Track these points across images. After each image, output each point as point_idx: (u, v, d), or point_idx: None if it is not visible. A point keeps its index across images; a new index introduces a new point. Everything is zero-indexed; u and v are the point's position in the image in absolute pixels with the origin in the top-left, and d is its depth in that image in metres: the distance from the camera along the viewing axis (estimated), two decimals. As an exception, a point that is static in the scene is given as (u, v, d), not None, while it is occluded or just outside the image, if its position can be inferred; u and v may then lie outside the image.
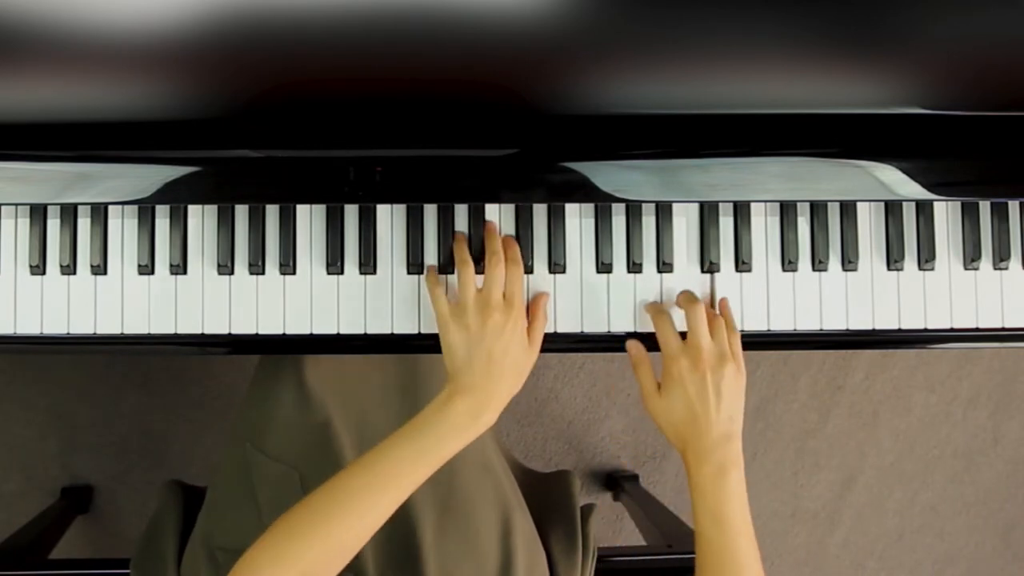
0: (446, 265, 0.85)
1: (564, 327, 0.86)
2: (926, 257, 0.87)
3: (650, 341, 0.85)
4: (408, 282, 0.86)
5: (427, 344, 0.85)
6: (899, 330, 0.87)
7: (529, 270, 0.86)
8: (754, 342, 0.87)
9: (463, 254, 0.82)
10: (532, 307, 0.84)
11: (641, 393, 0.83)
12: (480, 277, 0.82)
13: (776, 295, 0.87)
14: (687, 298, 0.83)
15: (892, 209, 0.87)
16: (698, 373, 0.78)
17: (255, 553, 0.69)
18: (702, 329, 0.80)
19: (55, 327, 0.85)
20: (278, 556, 0.68)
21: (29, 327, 0.85)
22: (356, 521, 0.70)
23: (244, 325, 0.85)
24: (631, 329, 0.87)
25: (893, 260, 0.87)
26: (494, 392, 0.76)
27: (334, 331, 0.85)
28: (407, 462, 0.73)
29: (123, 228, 0.85)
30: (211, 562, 0.89)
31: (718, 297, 0.87)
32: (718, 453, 0.77)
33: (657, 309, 0.84)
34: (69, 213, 0.85)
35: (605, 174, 0.79)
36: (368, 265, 0.85)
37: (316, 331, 0.85)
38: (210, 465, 1.58)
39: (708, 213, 0.87)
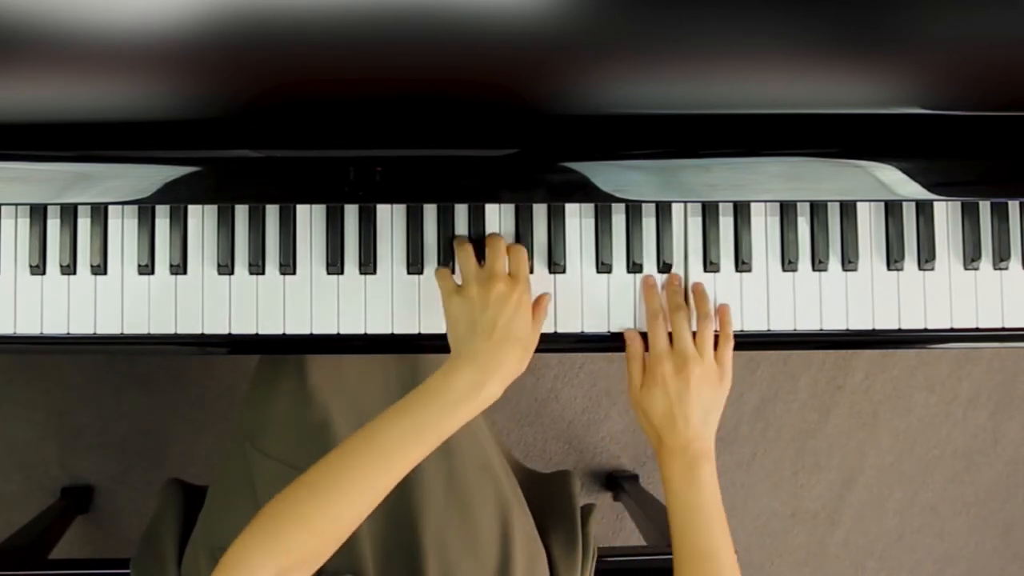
0: (447, 261, 0.85)
1: (564, 327, 0.86)
2: (926, 257, 0.87)
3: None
4: (408, 282, 0.86)
5: (427, 344, 0.85)
6: (899, 330, 0.88)
7: (529, 270, 0.86)
8: (754, 342, 0.87)
9: (462, 239, 0.83)
10: (535, 302, 0.84)
11: (628, 383, 0.85)
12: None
13: (776, 295, 0.87)
14: (674, 304, 0.83)
15: (892, 209, 0.87)
16: (680, 379, 0.80)
17: (247, 540, 0.66)
18: (686, 337, 0.82)
19: (55, 327, 0.85)
20: (274, 543, 0.65)
21: (29, 327, 0.85)
22: (352, 503, 0.67)
23: (244, 325, 0.85)
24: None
25: (893, 260, 0.87)
26: (498, 362, 0.74)
27: (334, 331, 0.85)
28: (406, 438, 0.69)
29: (123, 228, 0.85)
30: (211, 562, 0.89)
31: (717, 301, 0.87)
32: (691, 450, 0.78)
33: (654, 310, 0.84)
34: (69, 213, 0.85)
35: (605, 174, 0.79)
36: (368, 265, 0.85)
37: (316, 331, 0.85)
38: (210, 465, 1.58)
39: (708, 213, 0.87)
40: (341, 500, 0.67)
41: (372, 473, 0.68)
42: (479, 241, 0.85)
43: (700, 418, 0.80)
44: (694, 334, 0.84)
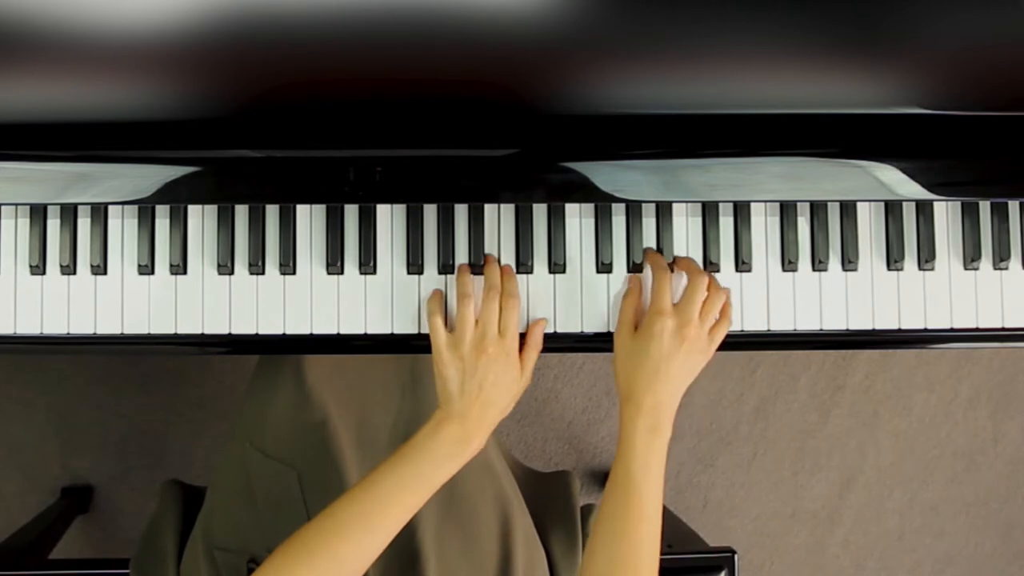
0: (445, 267, 0.85)
1: (564, 327, 0.86)
2: (926, 257, 0.87)
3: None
4: (408, 282, 0.86)
5: (427, 344, 0.85)
6: (899, 330, 0.87)
7: (529, 270, 0.86)
8: (754, 342, 0.87)
9: (465, 287, 0.82)
10: (528, 334, 0.84)
11: (618, 323, 0.84)
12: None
13: (776, 295, 0.87)
14: (696, 270, 0.83)
15: (892, 209, 0.87)
16: (677, 338, 0.79)
17: None
18: (697, 300, 0.81)
19: (55, 327, 0.85)
20: None
21: (29, 327, 0.85)
22: (355, 547, 0.73)
23: (244, 325, 0.85)
24: (631, 329, 0.86)
25: (893, 260, 0.87)
26: (483, 420, 0.78)
27: (334, 331, 0.85)
28: (401, 489, 0.75)
29: (123, 228, 0.85)
30: (210, 562, 0.89)
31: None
32: (660, 413, 0.79)
33: (660, 264, 0.83)
34: (69, 213, 0.85)
35: (605, 174, 0.79)
36: (368, 265, 0.85)
37: (316, 331, 0.85)
38: (210, 465, 1.58)
39: (708, 213, 0.87)
40: (345, 545, 0.73)
41: (372, 521, 0.74)
42: (478, 216, 0.85)
43: (678, 382, 0.80)
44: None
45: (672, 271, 0.84)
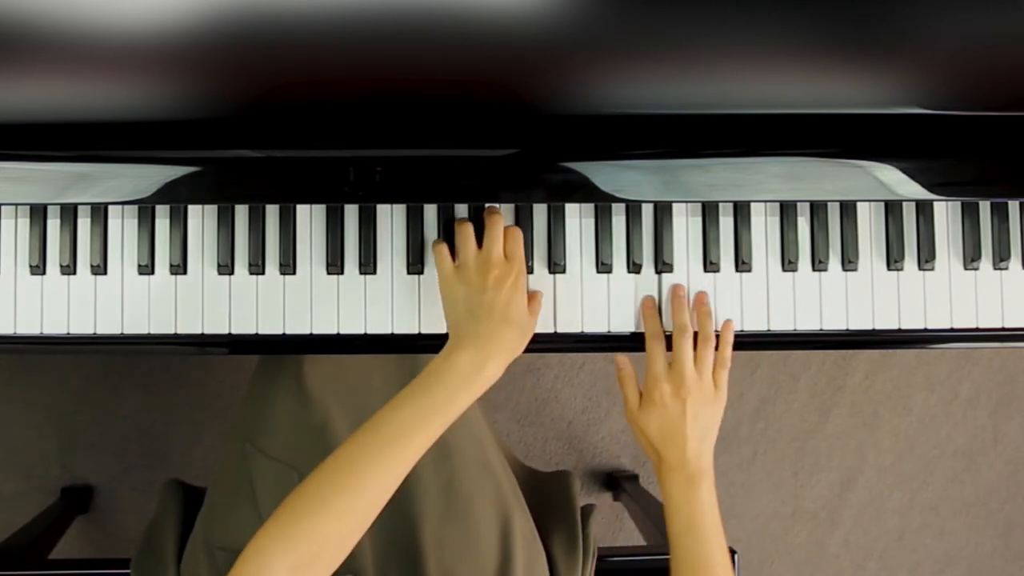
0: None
1: (564, 327, 0.86)
2: (926, 257, 0.87)
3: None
4: (408, 282, 0.86)
5: (427, 344, 0.85)
6: (899, 330, 0.88)
7: (529, 270, 0.86)
8: (754, 342, 0.87)
9: (463, 220, 0.83)
10: (530, 295, 0.85)
11: (624, 403, 0.86)
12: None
13: (776, 295, 0.87)
14: (680, 325, 0.84)
15: (892, 209, 0.87)
16: (678, 400, 0.81)
17: (262, 539, 0.67)
18: (686, 360, 0.83)
19: (55, 327, 0.85)
20: (288, 538, 0.66)
21: (29, 327, 0.85)
22: (361, 494, 0.68)
23: (244, 325, 0.85)
24: (631, 329, 0.87)
25: (893, 260, 0.87)
26: (497, 342, 0.75)
27: (334, 331, 0.85)
28: (412, 424, 0.71)
29: (123, 228, 0.85)
30: (211, 562, 0.89)
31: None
32: (689, 467, 0.80)
33: (654, 332, 0.85)
34: (69, 213, 0.85)
35: (605, 174, 0.79)
36: (368, 265, 0.85)
37: (316, 331, 0.85)
38: (210, 465, 1.58)
39: (708, 213, 0.87)
40: (350, 491, 0.68)
41: (380, 462, 0.69)
42: (478, 216, 0.85)
43: (698, 437, 0.82)
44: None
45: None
